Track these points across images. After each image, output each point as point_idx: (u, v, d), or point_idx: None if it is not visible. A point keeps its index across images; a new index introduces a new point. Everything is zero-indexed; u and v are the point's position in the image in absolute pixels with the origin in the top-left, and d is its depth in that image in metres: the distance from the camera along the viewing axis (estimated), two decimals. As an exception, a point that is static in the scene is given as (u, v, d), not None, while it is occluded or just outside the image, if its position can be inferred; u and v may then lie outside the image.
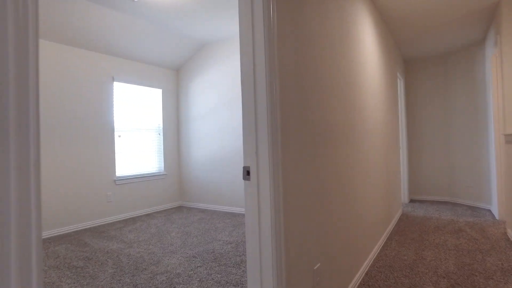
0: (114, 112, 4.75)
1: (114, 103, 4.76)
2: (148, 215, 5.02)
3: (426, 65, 5.71)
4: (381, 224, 3.38)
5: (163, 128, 5.52)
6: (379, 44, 3.64)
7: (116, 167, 4.76)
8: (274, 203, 1.30)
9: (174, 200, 5.68)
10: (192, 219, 4.68)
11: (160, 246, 3.44)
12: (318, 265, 1.79)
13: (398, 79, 5.19)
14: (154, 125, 5.41)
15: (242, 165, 4.96)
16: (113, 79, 4.73)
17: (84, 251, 3.35)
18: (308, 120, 1.74)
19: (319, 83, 1.91)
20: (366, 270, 2.67)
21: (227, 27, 4.64)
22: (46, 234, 3.93)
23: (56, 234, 4.01)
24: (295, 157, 1.55)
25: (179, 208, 5.49)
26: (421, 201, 5.61)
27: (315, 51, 1.86)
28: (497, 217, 4.24)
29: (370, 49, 3.19)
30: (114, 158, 4.73)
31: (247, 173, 1.35)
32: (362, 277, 2.55)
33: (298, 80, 1.64)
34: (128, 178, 4.88)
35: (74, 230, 4.20)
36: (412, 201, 5.68)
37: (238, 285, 2.47)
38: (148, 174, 5.23)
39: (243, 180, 4.99)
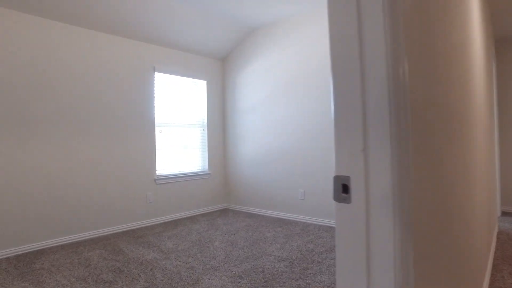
0: (155, 105, 4.36)
1: (155, 95, 4.37)
2: (190, 218, 4.58)
3: (524, 45, 4.60)
4: (485, 247, 2.55)
5: (208, 123, 5.06)
6: (479, 16, 2.77)
7: (156, 165, 4.37)
8: (401, 253, 0.65)
9: (218, 202, 5.20)
10: (238, 225, 4.14)
11: (201, 260, 2.92)
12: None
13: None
14: (198, 120, 4.96)
15: (297, 164, 4.45)
16: (154, 70, 4.34)
17: (117, 260, 2.93)
18: (441, 110, 1.06)
19: (448, 64, 1.22)
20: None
21: (279, 7, 4.02)
22: (82, 236, 3.62)
23: (93, 236, 3.69)
24: (428, 164, 0.88)
25: (224, 212, 4.99)
26: (515, 213, 4.54)
27: (443, 25, 1.17)
28: None
29: (476, 23, 2.37)
30: (155, 155, 4.34)
31: (343, 188, 0.71)
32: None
33: (427, 60, 0.95)
34: (169, 178, 4.48)
35: (112, 232, 3.86)
36: (504, 213, 4.63)
37: (298, 328, 1.85)
38: (191, 173, 4.79)
39: (296, 183, 4.35)
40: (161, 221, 4.37)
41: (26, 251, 3.26)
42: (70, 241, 3.55)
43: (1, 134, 3.13)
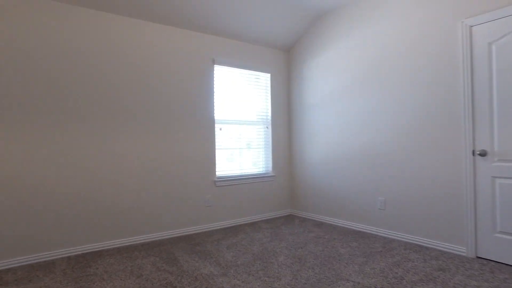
0: (215, 100, 4.04)
1: (215, 90, 4.04)
2: (251, 224, 4.17)
3: None
4: None
5: (272, 120, 4.61)
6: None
7: (216, 166, 4.04)
8: None
9: (283, 207, 4.72)
10: (305, 236, 3.61)
11: (263, 279, 2.46)
12: None
13: None
14: (261, 116, 4.54)
15: (376, 168, 3.54)
16: (214, 62, 4.02)
17: (171, 272, 2.61)
18: None
19: None
20: None
21: (356, -19, 3.40)
22: (138, 239, 3.43)
23: (149, 240, 3.47)
24: None
25: (289, 218, 4.49)
26: None
27: None
28: None
29: None
30: (214, 155, 4.01)
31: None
32: None
33: None
34: (230, 179, 4.12)
35: (169, 237, 3.61)
36: None
37: None
38: (254, 175, 4.39)
39: (374, 189, 3.67)
40: (220, 227, 4.03)
41: (87, 251, 3.15)
42: (127, 243, 3.37)
43: (61, 133, 3.04)
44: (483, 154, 2.81)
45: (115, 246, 3.30)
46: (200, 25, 3.79)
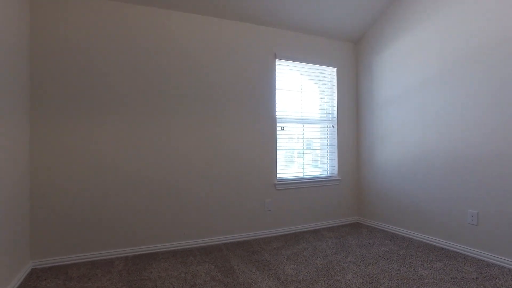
0: (276, 97, 3.77)
1: (277, 86, 3.78)
2: (314, 232, 3.82)
3: None
4: None
5: (338, 118, 4.20)
6: None
7: (277, 168, 3.77)
8: None
9: (349, 214, 4.28)
10: (376, 249, 3.16)
11: (329, 302, 2.13)
12: None
13: None
14: (326, 115, 4.16)
15: (465, 174, 2.86)
16: (275, 56, 3.75)
17: (226, 284, 2.40)
18: None
19: None
20: None
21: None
22: (195, 243, 3.30)
23: (206, 244, 3.33)
24: None
25: (356, 227, 4.05)
26: None
27: None
28: None
29: None
30: (276, 156, 3.75)
31: None
32: None
33: None
34: (292, 183, 3.82)
35: (226, 241, 3.44)
36: None
37: None
38: (317, 178, 4.03)
39: (463, 200, 3.07)
40: (280, 233, 3.75)
41: (144, 252, 3.11)
42: (183, 247, 3.26)
43: (126, 129, 3.04)
44: None
45: (172, 249, 3.21)
46: (260, 17, 3.55)
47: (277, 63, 3.78)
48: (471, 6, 2.99)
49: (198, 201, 3.33)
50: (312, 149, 4.05)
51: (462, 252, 3.07)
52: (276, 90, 3.76)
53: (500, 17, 2.78)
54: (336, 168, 4.18)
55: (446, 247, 3.21)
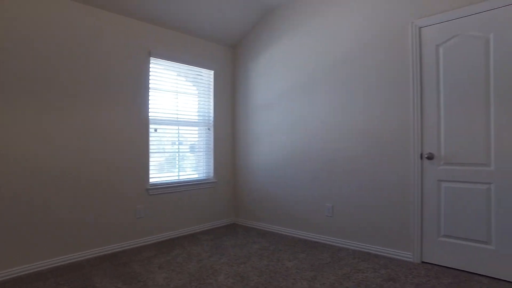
0: (150, 97, 3.56)
1: (150, 85, 3.57)
2: (190, 237, 3.74)
3: None
4: None
5: (215, 121, 4.23)
6: None
7: (150, 172, 3.56)
8: None
9: (225, 216, 4.36)
10: (249, 248, 3.29)
11: (199, 306, 2.08)
12: None
13: None
14: (203, 117, 4.15)
15: (324, 173, 3.29)
16: (150, 54, 3.54)
17: (84, 305, 2.10)
18: None
19: None
20: None
21: (303, -26, 3.20)
22: (49, 263, 2.81)
23: (65, 263, 2.87)
24: None
25: (232, 228, 4.14)
26: None
27: None
28: None
29: None
30: (148, 159, 3.52)
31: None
32: None
33: None
34: (165, 187, 3.65)
35: (90, 256, 3.04)
36: None
37: None
38: (193, 181, 3.96)
39: (322, 195, 3.48)
40: (154, 241, 3.54)
41: (-29, 283, 2.47)
42: (30, 271, 2.72)
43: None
44: (430, 157, 2.74)
45: (14, 275, 2.65)
46: (136, 11, 3.29)
47: (151, 61, 3.57)
48: (328, 27, 3.43)
49: (52, 212, 2.84)
50: (189, 151, 3.98)
51: (321, 241, 3.46)
52: (150, 90, 3.55)
53: (344, 40, 3.27)
54: (212, 170, 4.20)
55: (310, 238, 3.57)
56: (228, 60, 4.44)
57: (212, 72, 4.24)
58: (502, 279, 2.46)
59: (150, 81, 3.55)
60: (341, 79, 3.32)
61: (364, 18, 3.15)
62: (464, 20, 2.60)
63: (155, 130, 3.61)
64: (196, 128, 4.06)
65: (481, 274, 2.54)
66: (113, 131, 3.23)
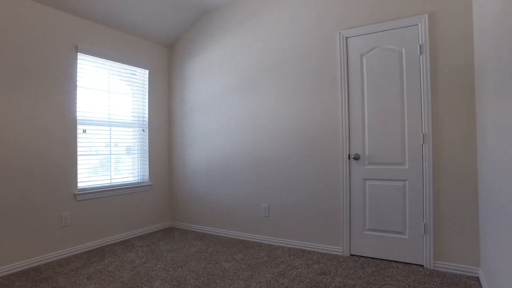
0: (77, 96, 3.30)
1: (78, 83, 3.32)
2: (124, 243, 3.56)
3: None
4: None
5: (149, 122, 4.08)
6: None
7: (78, 176, 3.30)
8: None
9: (161, 220, 4.22)
10: (186, 251, 3.23)
11: (132, 316, 1.99)
12: None
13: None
14: (137, 118, 3.97)
15: (260, 174, 3.40)
16: (77, 49, 3.30)
17: (-3, 326, 1.88)
18: None
19: None
20: None
21: (241, -22, 3.26)
22: (-47, 282, 2.45)
23: (-28, 282, 2.53)
24: None
25: (169, 231, 4.03)
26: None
27: None
28: None
29: None
30: (76, 162, 3.27)
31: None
32: None
33: None
34: (96, 191, 3.43)
35: (4, 274, 2.72)
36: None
37: None
38: (127, 184, 3.78)
39: (258, 195, 3.56)
40: (83, 250, 3.29)
41: None
42: None
43: None
44: (356, 157, 2.98)
45: None
46: (61, 1, 3.03)
47: (79, 57, 3.32)
48: (262, 32, 3.53)
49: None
50: (123, 154, 3.78)
51: (258, 241, 3.54)
52: (77, 88, 3.30)
53: (277, 46, 3.40)
54: (147, 173, 4.05)
55: (247, 239, 3.63)
56: (164, 59, 4.32)
57: (147, 71, 4.08)
58: (413, 263, 2.77)
59: (78, 78, 3.30)
60: (273, 82, 3.45)
61: (297, 25, 3.32)
62: (382, 34, 2.89)
63: (84, 131, 3.37)
64: (131, 129, 3.88)
65: (398, 261, 2.84)
66: (35, 129, 2.94)
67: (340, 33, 3.08)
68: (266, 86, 3.51)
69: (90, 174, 3.43)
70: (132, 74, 3.92)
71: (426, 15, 2.69)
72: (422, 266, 2.73)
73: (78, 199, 3.26)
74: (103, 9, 3.33)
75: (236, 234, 3.72)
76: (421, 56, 2.72)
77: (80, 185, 3.33)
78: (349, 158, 3.03)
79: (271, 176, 3.48)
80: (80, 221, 3.29)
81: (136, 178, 3.94)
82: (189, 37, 4.18)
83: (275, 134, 3.44)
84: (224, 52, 3.83)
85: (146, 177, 4.04)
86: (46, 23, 3.05)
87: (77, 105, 3.29)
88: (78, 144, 3.31)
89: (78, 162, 3.30)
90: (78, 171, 3.30)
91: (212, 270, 2.72)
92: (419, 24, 2.72)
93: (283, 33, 3.41)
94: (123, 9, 3.43)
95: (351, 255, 3.05)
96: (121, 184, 3.71)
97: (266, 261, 2.93)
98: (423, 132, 2.71)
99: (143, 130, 4.03)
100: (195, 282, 2.47)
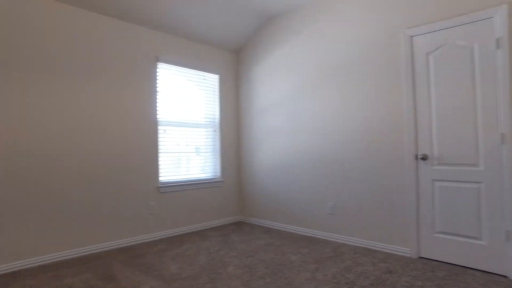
0: (158, 101, 3.76)
1: (158, 89, 3.77)
2: (199, 233, 3.94)
3: None
4: None
5: (220, 123, 4.43)
6: None
7: (160, 171, 3.75)
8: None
9: (232, 214, 4.55)
10: (255, 243, 3.48)
11: (211, 293, 2.27)
12: None
13: None
14: (209, 119, 4.35)
15: (326, 173, 3.48)
16: (158, 60, 3.75)
17: (105, 291, 2.30)
18: None
19: None
20: None
21: (307, -15, 3.40)
22: (69, 253, 3.01)
23: (83, 254, 3.07)
24: None
25: (239, 225, 4.33)
26: None
27: None
28: None
29: None
30: (158, 159, 3.72)
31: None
32: None
33: None
34: (175, 185, 3.85)
35: (106, 249, 3.24)
36: None
37: None
38: (201, 180, 4.16)
39: (324, 194, 3.67)
40: (165, 236, 3.73)
41: (2, 272, 2.67)
42: (55, 259, 2.94)
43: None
44: (424, 158, 2.92)
45: (38, 263, 2.85)
46: (144, 19, 3.50)
47: (159, 66, 3.78)
48: (325, 35, 3.63)
49: (71, 206, 3.04)
50: (197, 152, 4.17)
51: (323, 237, 3.65)
52: (158, 94, 3.75)
53: (341, 47, 3.46)
54: (219, 170, 4.40)
55: (312, 235, 3.75)
56: (232, 65, 4.64)
57: (217, 76, 4.44)
58: (494, 272, 2.61)
59: (158, 84, 3.75)
60: (337, 83, 3.52)
61: (360, 26, 3.34)
62: (451, 30, 2.79)
63: (164, 131, 3.81)
64: (204, 129, 4.26)
65: (474, 268, 2.71)
66: (129, 129, 3.43)
67: (404, 32, 3.04)
68: (330, 87, 3.60)
69: (170, 169, 3.87)
70: (205, 79, 4.30)
71: (506, 6, 2.54)
72: (506, 277, 2.56)
73: (161, 191, 3.71)
74: (179, 24, 3.73)
75: (301, 230, 3.86)
76: (498, 50, 2.58)
77: (162, 179, 3.78)
78: (416, 158, 2.98)
79: (336, 174, 3.56)
80: (163, 211, 3.73)
81: (209, 175, 4.31)
82: (254, 43, 4.44)
83: (339, 134, 3.51)
84: (289, 56, 4.01)
85: (218, 174, 4.40)
86: (133, 38, 3.53)
87: (158, 109, 3.74)
88: (159, 143, 3.76)
89: (159, 158, 3.75)
90: (160, 166, 3.75)
91: (280, 261, 2.91)
92: (495, 16, 2.59)
93: (346, 34, 3.47)
94: (197, 22, 3.80)
95: (419, 257, 2.99)
96: (195, 180, 4.10)
97: (331, 256, 3.03)
98: (502, 132, 2.57)
99: (215, 131, 4.39)
100: (264, 270, 2.68)
